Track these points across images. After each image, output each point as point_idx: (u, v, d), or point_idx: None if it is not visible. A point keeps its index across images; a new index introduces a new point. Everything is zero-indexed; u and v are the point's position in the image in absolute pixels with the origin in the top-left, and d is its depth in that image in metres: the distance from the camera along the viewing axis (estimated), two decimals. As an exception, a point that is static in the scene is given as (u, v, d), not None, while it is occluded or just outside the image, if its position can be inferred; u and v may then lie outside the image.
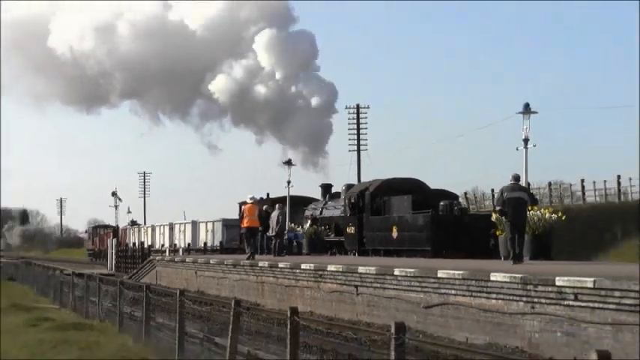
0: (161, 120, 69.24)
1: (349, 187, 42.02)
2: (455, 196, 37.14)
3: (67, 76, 64.12)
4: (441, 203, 32.68)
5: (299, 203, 47.89)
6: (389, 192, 36.15)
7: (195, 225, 65.27)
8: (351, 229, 37.93)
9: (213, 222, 61.38)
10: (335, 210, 41.92)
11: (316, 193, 49.03)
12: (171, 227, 70.38)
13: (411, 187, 35.97)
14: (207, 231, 62.31)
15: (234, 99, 59.06)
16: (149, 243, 71.52)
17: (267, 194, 49.48)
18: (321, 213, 43.36)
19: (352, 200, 38.23)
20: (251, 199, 35.03)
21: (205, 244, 60.99)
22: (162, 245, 69.62)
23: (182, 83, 62.09)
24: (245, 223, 34.45)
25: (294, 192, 48.97)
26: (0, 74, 64.31)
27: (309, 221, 42.93)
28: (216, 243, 57.78)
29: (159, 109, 66.96)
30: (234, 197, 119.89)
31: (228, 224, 55.06)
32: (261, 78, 58.73)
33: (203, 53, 59.76)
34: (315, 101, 58.67)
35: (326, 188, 46.07)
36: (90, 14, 61.76)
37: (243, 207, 35.77)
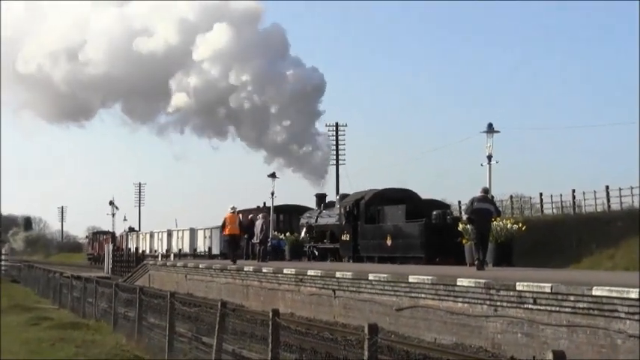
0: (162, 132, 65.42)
1: (344, 196, 40.69)
2: (446, 206, 36.81)
3: (46, 93, 61.43)
4: (434, 212, 31.84)
5: (294, 212, 47.33)
6: (382, 201, 35.38)
7: (193, 232, 63.99)
8: (346, 237, 37.13)
9: (211, 229, 59.26)
10: (330, 218, 40.82)
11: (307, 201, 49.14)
12: (170, 234, 68.96)
13: (403, 197, 35.18)
14: (205, 237, 61.15)
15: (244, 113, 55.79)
16: (147, 249, 70.86)
17: (264, 203, 48.57)
18: (316, 221, 42.22)
19: (347, 209, 37.35)
20: (232, 209, 35.69)
21: (195, 250, 60.75)
22: (155, 251, 69.07)
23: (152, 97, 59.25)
24: (227, 231, 35.63)
25: (292, 201, 49.59)
26: (0, 81, 60.58)
27: (304, 229, 42.28)
28: (215, 249, 56.31)
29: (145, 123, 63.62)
30: (229, 205, 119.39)
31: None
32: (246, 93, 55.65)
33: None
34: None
35: (321, 197, 44.90)
36: (57, 38, 58.60)
37: (225, 216, 35.72)
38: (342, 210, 37.93)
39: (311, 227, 41.94)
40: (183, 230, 65.88)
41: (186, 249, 63.08)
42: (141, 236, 77.18)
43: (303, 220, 43.69)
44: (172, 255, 61.23)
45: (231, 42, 52.69)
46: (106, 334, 20.45)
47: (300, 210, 46.97)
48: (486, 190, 25.14)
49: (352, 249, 36.34)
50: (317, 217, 42.53)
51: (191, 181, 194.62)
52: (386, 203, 34.88)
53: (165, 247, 67.76)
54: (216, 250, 55.92)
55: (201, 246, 60.95)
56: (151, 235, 74.05)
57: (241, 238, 37.34)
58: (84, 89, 58.28)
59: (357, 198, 37.35)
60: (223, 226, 35.93)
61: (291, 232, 44.17)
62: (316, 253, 41.38)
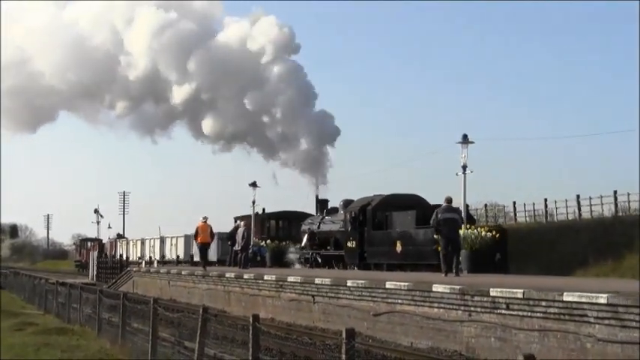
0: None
1: (348, 202, 38.24)
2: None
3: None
4: None
5: (295, 218, 44.95)
6: (390, 207, 33.25)
7: (188, 238, 59.11)
8: (351, 244, 35.27)
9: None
10: (333, 225, 38.72)
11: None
12: (163, 240, 66.42)
13: (412, 203, 33.03)
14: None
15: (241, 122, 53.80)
16: (138, 255, 68.99)
17: (263, 209, 47.21)
18: (318, 227, 39.92)
19: (353, 215, 35.33)
20: (204, 218, 36.26)
21: (192, 256, 59.65)
22: (139, 257, 67.95)
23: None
24: (199, 240, 36.39)
25: (291, 207, 48.09)
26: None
27: (306, 235, 40.01)
28: (212, 256, 54.54)
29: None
30: (224, 212, 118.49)
31: (222, 237, 50.15)
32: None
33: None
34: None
35: (323, 203, 42.79)
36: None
37: (197, 225, 36.19)
38: (348, 216, 36.16)
39: (313, 234, 39.81)
40: (177, 237, 62.94)
41: (182, 255, 60.62)
42: (131, 243, 75.50)
43: (304, 227, 41.35)
44: (156, 262, 60.33)
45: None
46: (90, 339, 20.34)
47: (299, 216, 44.66)
48: (450, 200, 25.34)
49: (358, 256, 34.79)
50: (319, 223, 40.40)
51: (183, 189, 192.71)
52: (393, 209, 33.05)
53: (158, 253, 65.84)
54: (213, 257, 54.52)
55: (197, 252, 58.80)
56: (142, 242, 71.83)
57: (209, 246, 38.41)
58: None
59: (363, 204, 35.51)
60: (196, 235, 36.59)
61: (291, 238, 43.01)
62: (319, 261, 39.36)
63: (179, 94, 52.93)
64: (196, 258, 57.40)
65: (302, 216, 44.04)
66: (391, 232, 32.41)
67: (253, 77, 51.60)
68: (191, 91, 52.49)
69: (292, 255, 41.28)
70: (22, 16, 57.78)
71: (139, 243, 71.85)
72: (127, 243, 75.97)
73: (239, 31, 53.23)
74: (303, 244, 40.23)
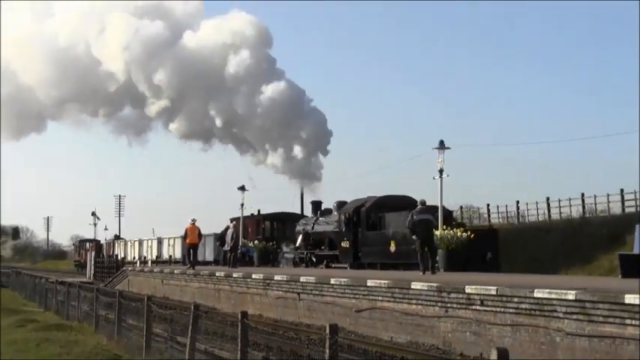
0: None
1: (341, 204, 37.29)
2: (449, 212, 32.93)
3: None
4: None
5: (289, 219, 44.31)
6: (383, 208, 32.39)
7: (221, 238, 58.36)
8: (345, 244, 34.53)
9: (205, 236, 54.95)
10: (327, 225, 37.74)
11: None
12: (160, 241, 65.16)
13: (405, 204, 31.47)
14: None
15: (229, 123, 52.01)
16: (134, 256, 67.94)
17: (259, 210, 47.16)
18: (312, 228, 38.96)
19: (347, 216, 34.51)
20: (192, 220, 36.32)
21: (170, 256, 59.29)
22: (140, 257, 67.16)
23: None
24: (188, 241, 36.78)
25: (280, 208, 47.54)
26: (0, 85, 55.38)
27: (300, 236, 39.17)
28: (208, 256, 52.77)
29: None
30: (221, 213, 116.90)
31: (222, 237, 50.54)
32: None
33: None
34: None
35: (316, 205, 41.16)
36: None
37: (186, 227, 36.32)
38: (342, 217, 35.28)
39: (308, 234, 38.88)
40: (174, 238, 60.52)
41: (178, 255, 58.78)
42: (129, 244, 74.24)
43: (299, 227, 40.40)
44: (150, 262, 59.80)
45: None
46: (87, 334, 20.27)
47: (293, 217, 44.10)
48: (424, 202, 25.37)
49: (352, 256, 34.14)
50: (314, 224, 39.42)
51: (176, 191, 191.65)
52: (387, 210, 32.29)
53: (155, 254, 64.77)
54: (210, 257, 53.03)
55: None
56: (140, 243, 70.35)
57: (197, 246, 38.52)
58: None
59: (357, 205, 34.75)
60: (185, 236, 36.82)
61: (285, 238, 42.40)
62: (314, 260, 38.41)
63: (154, 107, 52.37)
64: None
65: (296, 217, 43.44)
66: (385, 233, 31.82)
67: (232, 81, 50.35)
68: (166, 102, 51.76)
69: (287, 255, 40.70)
70: (3, 28, 55.57)
71: (136, 244, 70.65)
72: (125, 244, 75.11)
73: (214, 33, 51.94)
74: (297, 244, 39.59)
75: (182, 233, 38.48)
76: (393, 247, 30.38)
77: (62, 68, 52.84)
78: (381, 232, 32.22)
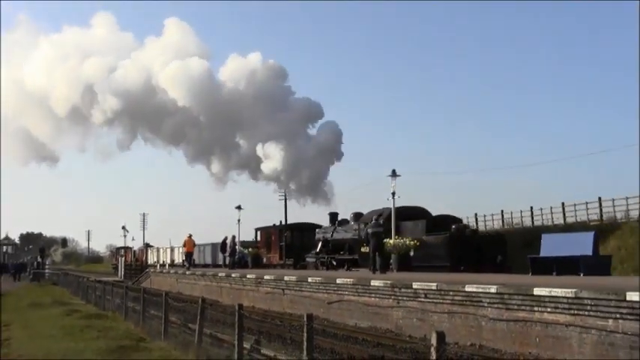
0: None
1: (358, 215, 33.97)
2: (459, 220, 30.33)
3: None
4: (453, 226, 26.60)
5: (307, 229, 40.56)
6: (399, 217, 29.01)
7: (215, 246, 52.81)
8: (365, 249, 30.26)
9: (205, 245, 52.60)
10: (346, 233, 34.45)
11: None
12: (172, 249, 61.85)
13: (418, 213, 29.76)
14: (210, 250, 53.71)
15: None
16: (168, 261, 62.41)
17: (280, 221, 44.86)
18: (332, 236, 35.49)
19: (367, 224, 30.87)
20: (189, 235, 39.95)
21: (183, 261, 57.62)
22: (159, 261, 65.74)
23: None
24: (185, 249, 40.84)
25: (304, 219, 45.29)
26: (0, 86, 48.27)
27: (320, 243, 35.91)
28: (207, 259, 51.09)
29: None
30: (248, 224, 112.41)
31: (248, 246, 45.43)
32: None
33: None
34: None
35: (333, 216, 37.47)
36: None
37: (185, 239, 39.63)
38: (362, 225, 31.17)
39: (327, 241, 35.56)
40: (204, 245, 55.83)
41: (208, 260, 54.95)
42: (161, 250, 69.35)
43: (318, 235, 36.90)
44: (167, 265, 58.50)
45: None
46: (119, 322, 20.00)
47: (310, 227, 40.20)
48: (377, 219, 25.44)
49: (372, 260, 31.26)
50: (332, 232, 35.79)
51: (190, 208, 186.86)
52: (402, 219, 29.08)
53: (169, 259, 61.58)
54: (209, 261, 52.56)
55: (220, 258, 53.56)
56: (172, 250, 65.37)
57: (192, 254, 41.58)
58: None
59: (375, 215, 29.90)
60: (184, 246, 40.74)
61: (301, 246, 39.28)
62: (334, 263, 34.77)
63: (191, 145, 47.05)
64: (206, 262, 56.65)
65: (312, 227, 40.29)
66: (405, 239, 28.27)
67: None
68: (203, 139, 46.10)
69: (309, 259, 37.50)
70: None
71: (168, 250, 65.81)
72: (158, 250, 71.90)
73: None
74: (317, 249, 36.38)
75: (192, 244, 41.00)
76: (412, 252, 27.32)
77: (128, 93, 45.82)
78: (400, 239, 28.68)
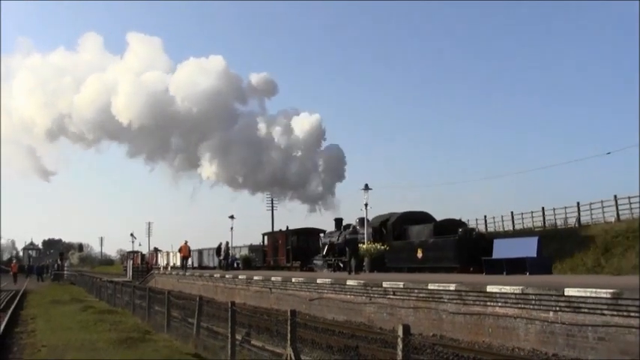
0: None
1: (363, 221, 29.90)
2: (464, 224, 28.20)
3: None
4: (460, 229, 24.79)
5: (312, 234, 37.76)
6: (406, 222, 27.60)
7: (195, 252, 52.59)
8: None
9: (241, 247, 48.36)
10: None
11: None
12: (200, 252, 58.13)
13: (424, 218, 27.92)
14: (211, 254, 51.81)
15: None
16: (171, 263, 58.83)
17: (287, 226, 42.09)
18: (338, 240, 31.99)
19: (374, 228, 29.11)
20: (185, 241, 40.06)
21: (182, 263, 56.69)
22: (164, 264, 64.87)
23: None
24: (181, 254, 40.85)
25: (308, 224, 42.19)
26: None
27: (326, 246, 32.97)
28: (207, 262, 49.12)
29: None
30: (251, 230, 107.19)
31: (256, 249, 43.49)
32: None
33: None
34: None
35: (339, 221, 34.25)
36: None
37: (181, 245, 39.75)
38: (370, 230, 29.13)
39: (333, 245, 32.47)
40: (209, 249, 53.75)
41: (211, 263, 52.62)
42: (171, 254, 69.45)
43: (324, 240, 34.17)
44: (170, 267, 57.67)
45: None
46: (128, 317, 19.75)
47: (315, 232, 37.64)
48: (354, 227, 25.38)
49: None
50: (338, 236, 32.38)
51: (191, 217, 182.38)
52: (409, 223, 27.48)
53: (196, 262, 57.69)
54: (210, 263, 51.06)
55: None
56: (175, 254, 65.19)
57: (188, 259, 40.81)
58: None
59: (382, 220, 29.28)
60: (180, 250, 40.50)
61: (308, 249, 36.57)
62: (341, 265, 30.75)
63: (205, 169, 43.29)
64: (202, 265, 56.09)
65: (317, 231, 38.03)
66: (412, 241, 26.45)
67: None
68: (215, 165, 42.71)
69: (316, 261, 34.11)
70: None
71: (178, 254, 64.14)
72: (168, 254, 70.34)
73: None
74: (324, 252, 33.33)
75: (188, 249, 40.49)
76: (420, 254, 25.58)
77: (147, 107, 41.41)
78: (408, 242, 26.74)
